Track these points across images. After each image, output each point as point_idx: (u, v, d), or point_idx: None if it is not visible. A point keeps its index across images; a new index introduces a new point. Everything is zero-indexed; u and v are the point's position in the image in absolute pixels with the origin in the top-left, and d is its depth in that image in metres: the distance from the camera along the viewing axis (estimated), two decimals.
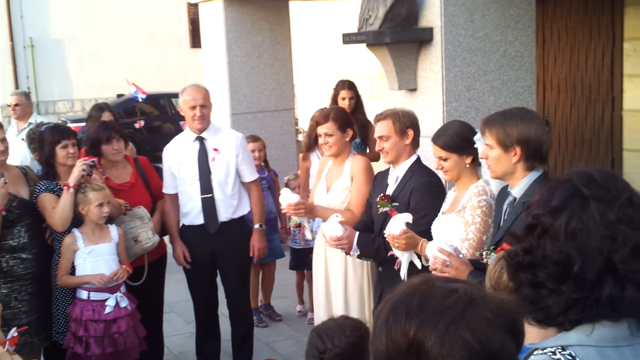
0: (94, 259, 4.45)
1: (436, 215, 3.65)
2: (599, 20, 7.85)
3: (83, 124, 8.19)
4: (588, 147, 8.15)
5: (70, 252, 4.45)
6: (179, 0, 20.56)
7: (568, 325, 1.45)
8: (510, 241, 1.57)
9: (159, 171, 5.18)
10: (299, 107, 11.71)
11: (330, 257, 4.47)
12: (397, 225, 3.53)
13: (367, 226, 4.17)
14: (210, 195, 4.86)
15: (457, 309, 1.23)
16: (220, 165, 4.87)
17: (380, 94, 10.06)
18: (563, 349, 1.42)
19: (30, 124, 7.24)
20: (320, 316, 4.46)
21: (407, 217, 3.54)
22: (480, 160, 3.31)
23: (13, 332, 2.96)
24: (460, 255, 3.24)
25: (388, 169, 4.14)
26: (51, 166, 4.58)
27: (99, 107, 5.99)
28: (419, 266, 3.60)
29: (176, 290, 6.19)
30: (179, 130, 5.31)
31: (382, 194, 3.92)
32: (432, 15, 5.02)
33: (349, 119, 4.59)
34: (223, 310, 5.22)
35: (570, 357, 1.40)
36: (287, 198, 4.38)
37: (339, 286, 4.44)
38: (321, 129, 4.42)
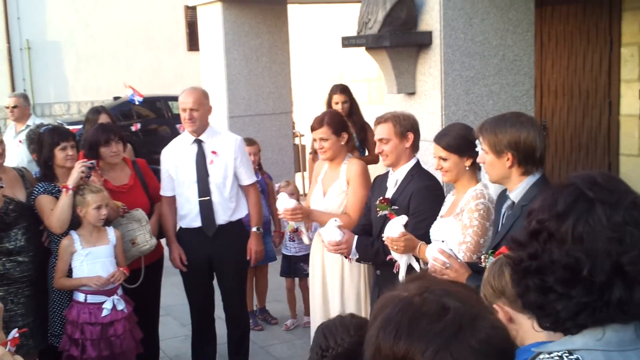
0: (91, 261, 4.43)
1: (435, 219, 3.66)
2: (597, 25, 7.87)
3: (79, 126, 8.18)
4: (585, 151, 8.17)
5: (67, 254, 4.44)
6: (177, 3, 20.58)
7: (575, 329, 1.44)
8: (512, 247, 1.56)
9: (157, 173, 5.17)
10: (296, 111, 11.71)
11: (327, 260, 4.46)
12: (396, 228, 3.53)
13: (366, 230, 4.16)
14: (208, 198, 4.85)
15: (444, 337, 1.25)
16: (218, 168, 4.86)
17: (378, 98, 10.07)
18: (570, 353, 1.41)
19: (28, 126, 7.23)
20: (317, 320, 4.45)
21: (403, 219, 3.55)
22: (480, 164, 3.31)
23: (14, 333, 2.95)
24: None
25: (387, 173, 4.13)
26: (50, 168, 4.57)
27: (96, 110, 5.98)
28: (417, 269, 3.60)
29: (172, 293, 6.17)
30: (176, 133, 5.31)
31: (381, 197, 3.92)
32: (431, 19, 5.02)
33: (344, 123, 4.60)
34: (219, 313, 5.20)
35: None
36: (284, 203, 4.37)
37: (336, 289, 4.43)
38: (316, 134, 4.43)
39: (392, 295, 1.36)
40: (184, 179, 4.89)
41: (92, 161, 4.56)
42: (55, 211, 4.39)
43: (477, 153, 3.24)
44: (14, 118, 7.55)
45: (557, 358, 1.41)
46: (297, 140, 11.03)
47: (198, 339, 5.15)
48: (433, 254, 3.17)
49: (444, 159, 3.54)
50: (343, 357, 2.05)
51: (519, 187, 3.03)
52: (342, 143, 4.46)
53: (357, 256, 4.03)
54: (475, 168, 3.52)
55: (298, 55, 11.69)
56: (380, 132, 3.97)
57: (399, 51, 5.07)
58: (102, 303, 4.40)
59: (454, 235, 3.44)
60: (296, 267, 6.22)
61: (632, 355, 1.42)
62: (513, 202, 3.06)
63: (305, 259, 6.13)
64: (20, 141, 7.10)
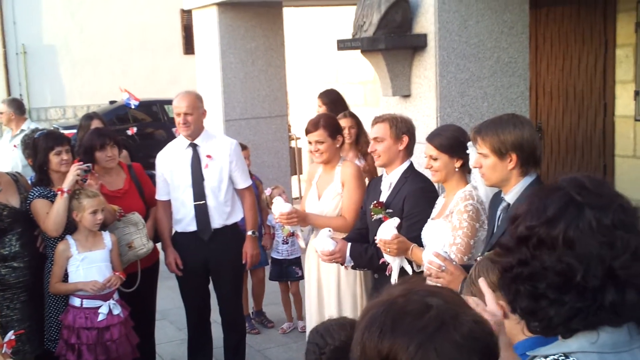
0: (87, 266, 4.43)
1: None
2: (592, 27, 7.88)
3: (75, 130, 8.15)
4: (580, 153, 8.18)
5: (63, 259, 4.43)
6: (172, 7, 20.55)
7: (567, 334, 1.44)
8: (499, 253, 1.56)
9: (152, 178, 5.17)
10: (292, 114, 11.71)
11: (323, 264, 4.45)
12: (388, 230, 3.53)
13: (362, 234, 4.16)
14: (203, 202, 4.85)
15: (427, 332, 1.26)
16: (213, 172, 4.86)
17: (374, 100, 10.08)
18: (566, 356, 1.41)
19: (22, 130, 7.20)
20: (313, 324, 4.44)
21: (395, 221, 3.55)
22: (472, 168, 3.31)
23: (10, 335, 2.95)
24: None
25: (381, 176, 4.14)
26: (45, 173, 4.57)
27: (89, 116, 5.98)
28: (410, 271, 3.61)
29: (168, 297, 6.17)
30: (172, 136, 5.30)
31: (375, 201, 3.92)
32: (426, 22, 5.03)
33: (339, 126, 4.61)
34: (215, 317, 5.20)
35: None
36: (280, 207, 4.37)
37: (332, 293, 4.43)
38: (311, 137, 4.42)
39: (376, 300, 1.38)
40: (179, 183, 4.88)
41: (88, 164, 4.56)
42: (50, 214, 4.38)
43: (467, 155, 3.24)
44: (4, 123, 7.55)
45: None
46: (293, 143, 11.03)
47: (194, 343, 5.15)
48: (429, 258, 3.16)
49: (435, 159, 3.55)
50: (340, 351, 2.06)
51: (514, 189, 3.03)
52: (337, 146, 4.47)
53: (352, 263, 4.03)
54: (465, 170, 3.54)
55: (294, 58, 11.69)
56: (376, 131, 3.99)
57: (394, 54, 5.08)
58: (98, 308, 4.40)
59: (444, 237, 3.45)
60: (288, 271, 6.20)
61: (626, 357, 1.42)
62: (508, 204, 3.06)
63: (296, 262, 6.13)
64: (15, 146, 7.08)
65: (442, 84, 5.03)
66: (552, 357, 1.42)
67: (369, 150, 4.12)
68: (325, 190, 4.49)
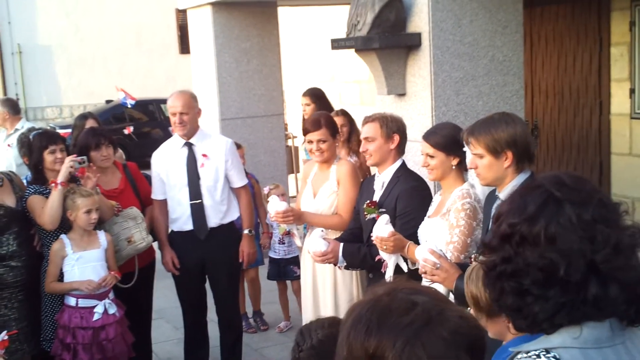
0: (82, 265, 4.43)
1: (423, 219, 3.66)
2: (586, 25, 7.90)
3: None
4: (576, 151, 8.19)
5: (58, 258, 4.43)
6: (168, 7, 20.54)
7: (551, 329, 1.45)
8: (483, 251, 1.57)
9: (148, 179, 5.17)
10: (288, 113, 11.71)
11: (319, 264, 4.45)
12: (385, 227, 3.54)
13: (355, 234, 4.16)
14: (200, 201, 4.85)
15: (413, 328, 1.27)
16: (209, 171, 4.86)
17: (369, 99, 10.09)
18: (547, 351, 1.42)
19: (17, 129, 7.20)
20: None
21: (384, 218, 3.56)
22: (469, 168, 3.32)
23: (3, 335, 2.95)
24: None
25: (374, 176, 4.14)
26: (40, 172, 4.59)
27: (83, 116, 5.98)
28: (405, 269, 3.61)
29: (165, 296, 6.17)
30: (168, 135, 5.29)
31: (368, 201, 3.92)
32: (420, 21, 5.03)
33: (336, 124, 4.65)
34: (212, 316, 5.20)
35: None
36: (275, 206, 4.37)
37: (328, 294, 4.43)
38: (313, 136, 4.41)
39: (361, 299, 1.39)
40: (175, 182, 4.88)
41: (83, 157, 4.56)
42: (45, 207, 4.39)
43: (464, 153, 3.25)
44: None
45: (535, 357, 1.41)
46: (289, 142, 11.04)
47: (191, 342, 5.15)
48: (423, 255, 3.17)
49: (431, 157, 3.56)
50: (317, 348, 2.07)
51: (509, 186, 3.04)
52: (336, 144, 4.49)
53: (345, 264, 4.03)
54: (462, 168, 3.54)
55: (289, 57, 11.70)
56: (367, 130, 3.99)
57: (389, 53, 5.09)
58: (94, 307, 4.40)
59: (441, 235, 3.45)
60: (286, 270, 6.20)
61: (608, 352, 1.43)
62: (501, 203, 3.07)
63: (294, 261, 6.12)
64: (9, 145, 7.07)
65: (437, 83, 5.04)
66: (533, 352, 1.43)
67: (361, 150, 4.13)
68: (321, 189, 4.49)
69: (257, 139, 8.15)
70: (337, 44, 5.39)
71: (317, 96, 6.82)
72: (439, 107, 5.06)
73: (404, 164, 4.02)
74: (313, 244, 4.03)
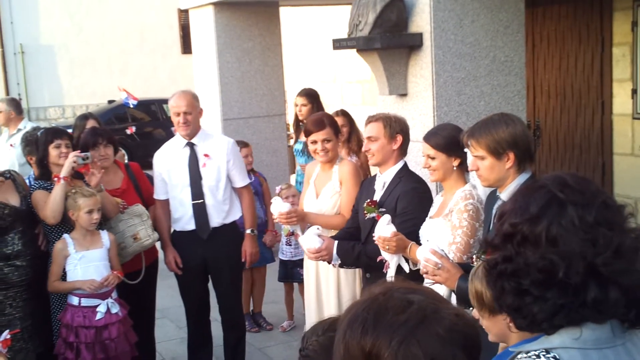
0: (85, 264, 4.44)
1: (423, 220, 3.66)
2: (588, 25, 7.89)
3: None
4: (578, 151, 8.19)
5: (61, 258, 4.45)
6: (170, 7, 20.57)
7: (551, 330, 1.46)
8: (486, 249, 1.57)
9: (150, 179, 5.18)
10: (290, 113, 11.71)
11: (321, 265, 4.45)
12: (387, 227, 3.54)
13: (350, 233, 4.15)
14: (202, 200, 4.86)
15: (409, 326, 1.28)
16: (211, 170, 4.87)
17: (371, 99, 10.09)
18: (547, 352, 1.43)
19: (19, 129, 7.21)
20: (312, 324, 4.45)
21: (386, 218, 3.57)
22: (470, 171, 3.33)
23: (5, 334, 2.96)
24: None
25: (375, 175, 4.15)
26: (45, 167, 4.60)
27: (84, 116, 5.99)
28: (407, 269, 3.61)
29: (168, 296, 6.18)
30: (170, 135, 5.31)
31: (369, 200, 3.92)
32: (422, 21, 5.04)
33: (338, 124, 4.66)
34: (215, 315, 5.21)
35: None
36: (278, 207, 4.37)
37: (331, 294, 4.43)
38: (318, 136, 4.41)
39: (358, 300, 1.40)
40: (177, 182, 4.89)
41: (87, 153, 4.57)
42: (48, 201, 4.40)
43: (465, 154, 3.25)
44: (2, 123, 7.54)
45: (535, 357, 1.42)
46: (291, 142, 11.03)
47: (194, 342, 5.16)
48: (425, 255, 3.17)
49: (432, 158, 3.56)
50: (317, 352, 2.08)
51: (510, 187, 3.04)
52: (339, 144, 4.50)
53: (339, 261, 4.03)
54: (463, 169, 3.54)
55: (291, 58, 11.70)
56: (370, 130, 3.99)
57: (390, 53, 5.10)
58: (96, 306, 4.41)
59: (444, 236, 3.46)
60: (293, 272, 6.18)
61: (608, 353, 1.43)
62: (504, 202, 3.08)
63: (301, 263, 6.11)
64: (11, 145, 7.09)
65: (439, 83, 5.04)
66: (533, 352, 1.43)
67: (363, 149, 4.13)
68: (324, 189, 4.50)
69: (259, 139, 8.16)
70: (338, 44, 5.40)
71: (314, 97, 6.84)
72: (440, 107, 5.07)
73: (405, 165, 4.02)
74: (307, 241, 4.03)
